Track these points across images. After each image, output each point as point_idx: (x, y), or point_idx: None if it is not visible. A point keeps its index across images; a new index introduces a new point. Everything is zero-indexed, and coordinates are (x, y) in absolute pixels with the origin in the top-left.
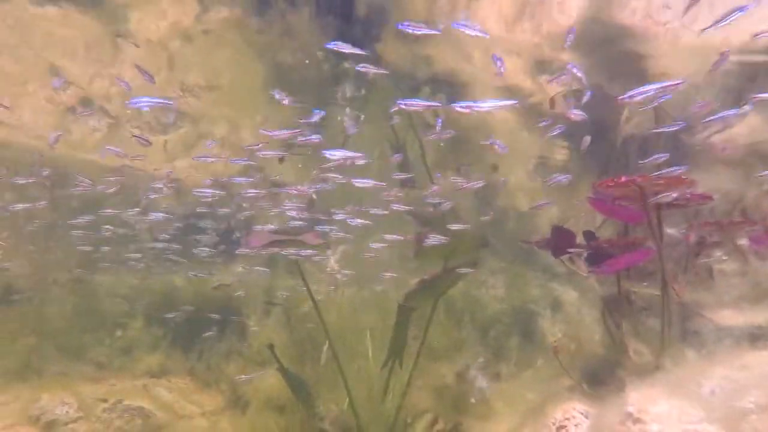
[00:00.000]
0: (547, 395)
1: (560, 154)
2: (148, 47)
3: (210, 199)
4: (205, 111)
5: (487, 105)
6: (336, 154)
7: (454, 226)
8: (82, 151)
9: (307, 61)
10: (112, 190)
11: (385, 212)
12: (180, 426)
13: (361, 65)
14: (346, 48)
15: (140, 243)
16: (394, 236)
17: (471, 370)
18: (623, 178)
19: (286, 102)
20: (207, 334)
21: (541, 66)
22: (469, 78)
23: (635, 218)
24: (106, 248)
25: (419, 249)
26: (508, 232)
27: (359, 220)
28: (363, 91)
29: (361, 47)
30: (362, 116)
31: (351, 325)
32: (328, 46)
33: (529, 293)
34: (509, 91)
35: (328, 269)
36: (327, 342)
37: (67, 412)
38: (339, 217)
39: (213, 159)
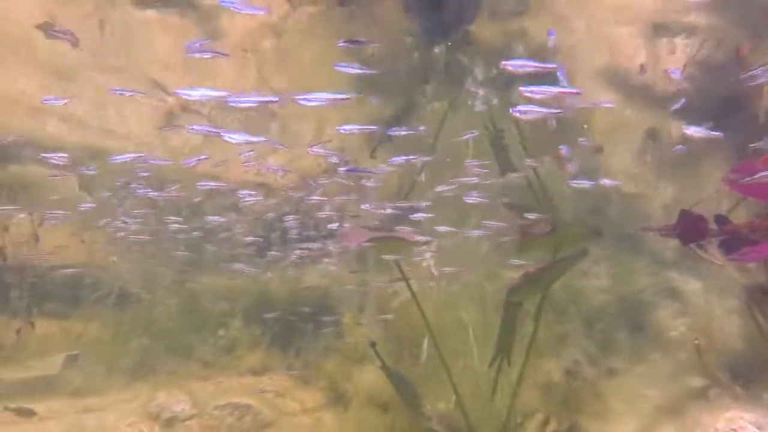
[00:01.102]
0: (675, 394)
1: (674, 131)
2: (240, 44)
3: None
4: (293, 111)
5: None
6: (235, 137)
7: (532, 216)
8: (181, 158)
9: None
10: (198, 200)
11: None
12: (285, 423)
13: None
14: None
15: (235, 245)
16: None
17: (580, 366)
18: None
19: None
20: (327, 329)
21: (660, 32)
22: (570, 51)
23: None
24: (205, 251)
25: (524, 241)
26: (612, 218)
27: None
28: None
29: (455, 31)
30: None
31: (448, 321)
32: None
33: (637, 283)
34: (618, 65)
35: (424, 263)
36: (426, 338)
37: (183, 409)
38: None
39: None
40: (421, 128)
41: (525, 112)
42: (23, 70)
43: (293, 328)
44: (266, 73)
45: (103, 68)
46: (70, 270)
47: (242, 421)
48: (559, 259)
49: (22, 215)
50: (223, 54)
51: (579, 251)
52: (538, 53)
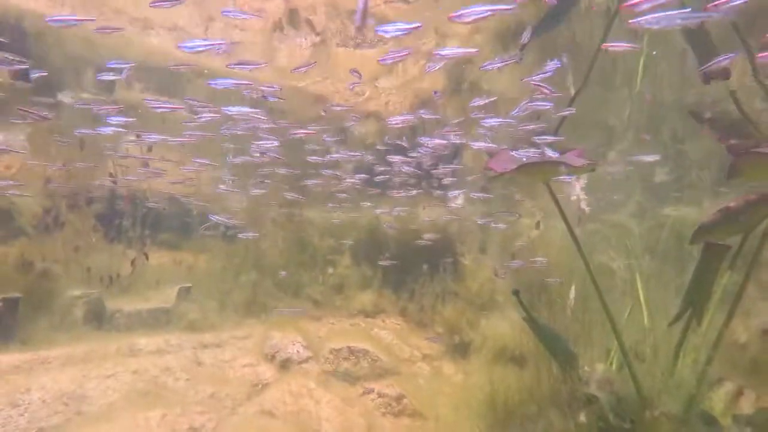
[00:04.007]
0: None
1: None
2: None
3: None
4: (410, 20)
5: None
6: None
7: None
8: (288, 78)
9: None
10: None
11: None
12: (404, 370)
13: None
14: None
15: (345, 177)
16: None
17: None
18: None
19: None
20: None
21: None
22: None
23: None
24: (313, 184)
25: (740, 162)
26: None
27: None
28: None
29: None
30: None
31: (594, 266)
32: None
33: None
34: None
35: (573, 198)
36: (573, 286)
37: (298, 351)
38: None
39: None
40: None
41: None
42: None
43: (406, 268)
44: None
45: None
46: (179, 200)
47: (358, 366)
48: None
49: (130, 141)
50: None
51: None
52: None
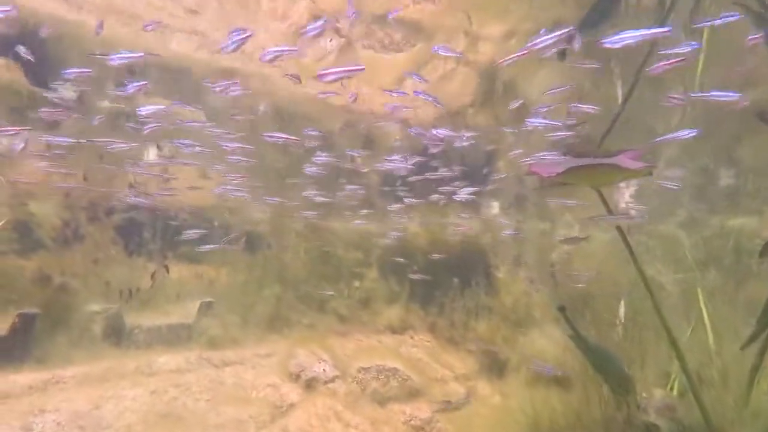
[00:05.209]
0: None
1: None
2: None
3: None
4: (440, 22)
5: None
6: None
7: None
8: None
9: None
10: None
11: None
12: (436, 391)
13: None
14: None
15: (370, 186)
16: None
17: None
18: None
19: None
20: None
21: None
22: None
23: None
24: (337, 193)
25: None
26: None
27: None
28: None
29: None
30: None
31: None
32: None
33: None
34: None
35: (622, 205)
36: (623, 301)
37: (324, 370)
38: None
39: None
40: None
41: None
42: None
43: (435, 281)
44: None
45: None
46: (201, 211)
47: (388, 386)
48: None
49: (153, 153)
50: None
51: None
52: None
